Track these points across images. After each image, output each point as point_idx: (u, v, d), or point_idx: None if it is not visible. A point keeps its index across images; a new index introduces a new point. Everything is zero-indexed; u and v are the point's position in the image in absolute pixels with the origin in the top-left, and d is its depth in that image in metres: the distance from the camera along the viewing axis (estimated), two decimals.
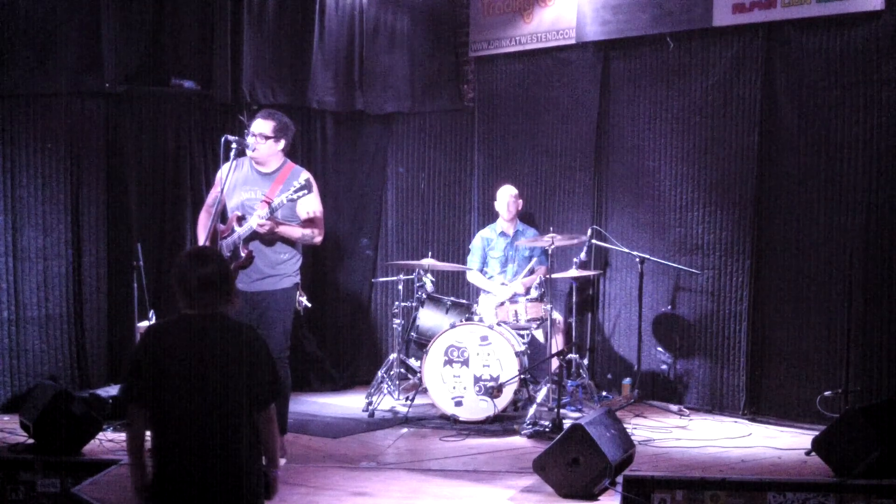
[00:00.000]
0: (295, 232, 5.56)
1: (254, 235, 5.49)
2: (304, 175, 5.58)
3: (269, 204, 5.42)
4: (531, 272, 7.26)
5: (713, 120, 6.90)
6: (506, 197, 7.32)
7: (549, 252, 6.75)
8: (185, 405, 3.32)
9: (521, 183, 7.71)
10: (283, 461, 5.46)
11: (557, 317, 6.98)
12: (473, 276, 7.39)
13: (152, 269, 7.13)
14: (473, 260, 7.39)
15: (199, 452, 3.32)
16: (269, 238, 5.50)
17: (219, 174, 5.74)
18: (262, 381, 3.38)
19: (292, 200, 5.41)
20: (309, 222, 5.60)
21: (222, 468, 3.33)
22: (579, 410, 6.62)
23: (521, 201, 7.40)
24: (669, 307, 7.14)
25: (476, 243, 7.43)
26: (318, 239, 5.71)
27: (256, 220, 5.40)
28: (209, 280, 3.36)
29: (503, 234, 7.35)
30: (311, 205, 5.59)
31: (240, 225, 5.54)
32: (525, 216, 7.59)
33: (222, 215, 5.74)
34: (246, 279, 5.56)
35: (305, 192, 5.41)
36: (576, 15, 7.43)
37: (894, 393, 5.99)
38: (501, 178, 7.78)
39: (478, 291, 7.51)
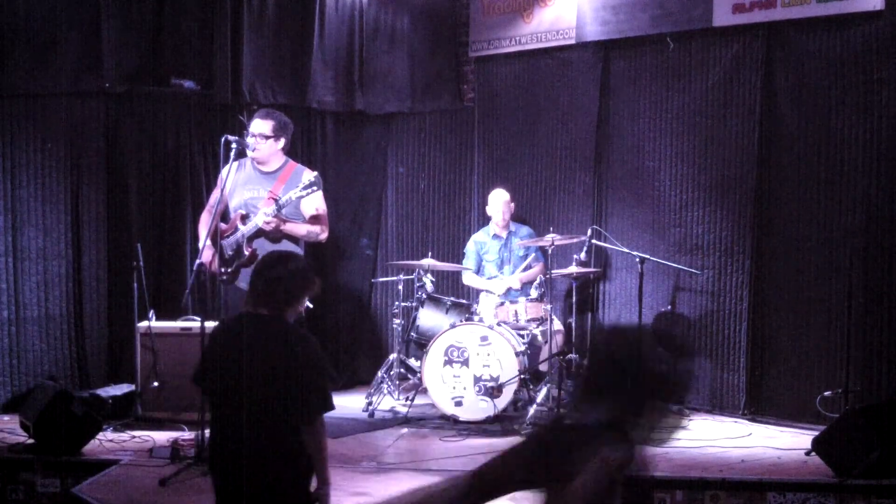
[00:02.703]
0: (300, 229, 5.56)
1: (258, 233, 5.50)
2: (312, 172, 5.58)
3: (275, 201, 5.43)
4: (528, 267, 7.26)
5: (713, 120, 6.90)
6: (498, 203, 7.27)
7: (549, 252, 6.74)
8: (228, 399, 3.42)
9: (521, 183, 7.71)
10: None
11: (557, 324, 6.97)
12: (469, 278, 7.39)
13: (152, 269, 7.13)
14: (468, 262, 7.38)
15: (236, 446, 3.41)
16: (275, 236, 5.51)
17: (221, 174, 5.74)
18: (304, 393, 3.37)
19: (301, 197, 5.42)
20: (314, 219, 5.61)
21: (256, 467, 3.36)
22: None
23: (513, 204, 7.38)
24: (669, 307, 7.14)
25: (470, 247, 7.43)
26: (324, 236, 5.72)
27: (262, 218, 5.41)
28: (272, 282, 3.45)
29: (496, 236, 7.34)
30: (317, 202, 5.60)
31: (244, 223, 5.55)
32: (524, 217, 7.57)
33: (224, 215, 5.75)
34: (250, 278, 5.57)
35: (315, 188, 5.42)
36: (576, 15, 7.43)
37: (894, 393, 5.99)
38: (501, 177, 7.78)
39: (478, 291, 7.51)
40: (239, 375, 3.37)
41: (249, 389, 3.37)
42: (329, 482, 3.48)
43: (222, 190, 5.58)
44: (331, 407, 3.44)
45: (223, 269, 5.64)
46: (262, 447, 3.37)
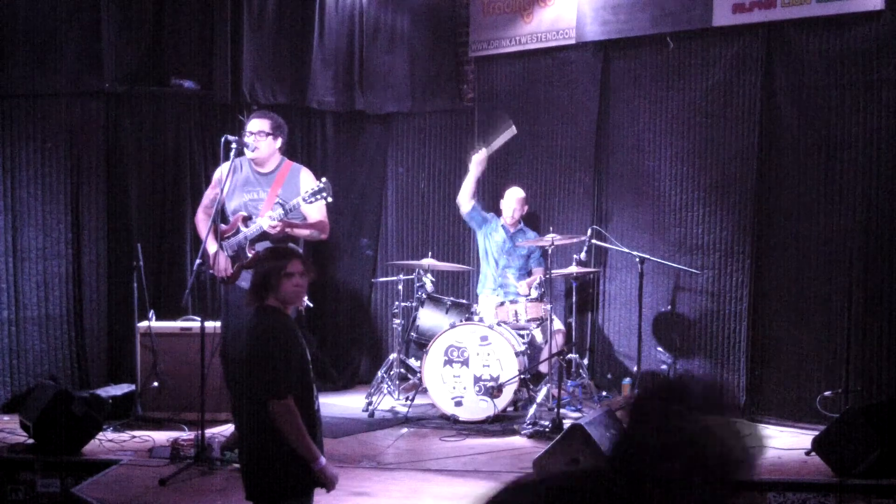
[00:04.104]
0: (303, 232, 5.58)
1: (262, 236, 5.50)
2: (318, 180, 5.59)
3: (282, 206, 5.43)
4: (529, 273, 7.27)
5: (713, 120, 6.90)
6: (512, 200, 7.27)
7: (549, 252, 6.74)
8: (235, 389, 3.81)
9: (521, 183, 7.69)
10: None
11: (557, 324, 6.97)
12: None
13: (152, 269, 7.13)
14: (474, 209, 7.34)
15: (238, 426, 3.80)
16: (278, 238, 5.51)
17: (217, 174, 5.74)
18: (264, 375, 3.54)
19: (309, 203, 5.44)
20: (318, 223, 5.64)
21: (247, 446, 3.69)
22: (579, 410, 6.62)
23: (526, 206, 7.38)
24: (669, 307, 7.14)
25: (488, 214, 7.41)
26: (324, 235, 5.76)
27: (268, 222, 5.42)
28: (256, 276, 3.77)
29: (504, 227, 7.35)
30: (321, 207, 5.62)
31: (245, 225, 5.55)
32: (528, 218, 7.57)
33: (221, 216, 5.75)
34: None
35: (323, 195, 5.43)
36: (576, 15, 7.43)
37: (894, 393, 5.98)
38: (502, 177, 7.78)
39: (478, 292, 7.51)
40: (236, 363, 3.76)
41: (239, 377, 3.70)
42: (315, 459, 3.52)
43: (221, 190, 5.59)
44: (273, 394, 3.49)
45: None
46: (251, 430, 3.61)
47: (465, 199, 7.30)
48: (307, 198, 5.39)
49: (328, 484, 3.60)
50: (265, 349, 3.55)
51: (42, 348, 6.92)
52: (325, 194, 5.42)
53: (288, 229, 5.45)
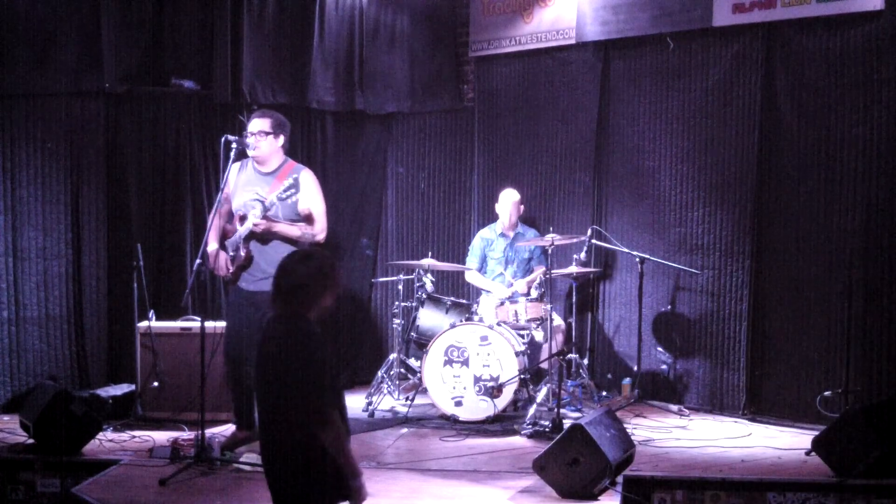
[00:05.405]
0: (293, 231, 5.56)
1: (252, 235, 5.51)
2: (295, 174, 5.58)
3: (262, 203, 5.45)
4: (530, 272, 7.27)
5: (713, 120, 6.90)
6: (507, 204, 7.27)
7: (549, 252, 6.74)
8: (259, 399, 3.62)
9: (521, 183, 7.71)
10: None
11: (558, 320, 6.97)
12: (472, 276, 7.38)
13: (152, 269, 7.13)
14: (472, 260, 7.38)
15: (266, 443, 3.56)
16: (267, 237, 5.52)
17: (226, 174, 5.75)
18: (304, 390, 3.37)
19: (282, 200, 5.44)
20: (307, 219, 5.62)
21: (274, 454, 3.50)
22: (579, 410, 6.62)
23: (522, 206, 7.38)
24: (669, 307, 7.14)
25: (476, 243, 7.42)
26: (320, 237, 5.72)
27: (252, 220, 5.43)
28: (283, 285, 3.50)
29: (503, 234, 7.34)
30: (310, 201, 5.62)
31: (241, 224, 5.57)
32: (526, 218, 7.57)
33: (231, 215, 5.77)
34: (249, 278, 5.59)
35: (293, 191, 5.44)
36: (576, 15, 7.44)
37: (894, 393, 5.98)
38: (501, 177, 7.79)
39: (478, 291, 7.51)
40: (262, 376, 3.50)
41: (268, 390, 3.48)
42: (358, 475, 3.41)
43: (222, 190, 5.60)
44: (319, 415, 3.34)
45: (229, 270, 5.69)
46: (281, 443, 3.44)
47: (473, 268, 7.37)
48: (280, 194, 5.41)
49: (361, 499, 3.43)
50: (305, 366, 3.36)
51: (42, 348, 6.93)
52: (293, 191, 5.44)
53: (274, 227, 5.47)
